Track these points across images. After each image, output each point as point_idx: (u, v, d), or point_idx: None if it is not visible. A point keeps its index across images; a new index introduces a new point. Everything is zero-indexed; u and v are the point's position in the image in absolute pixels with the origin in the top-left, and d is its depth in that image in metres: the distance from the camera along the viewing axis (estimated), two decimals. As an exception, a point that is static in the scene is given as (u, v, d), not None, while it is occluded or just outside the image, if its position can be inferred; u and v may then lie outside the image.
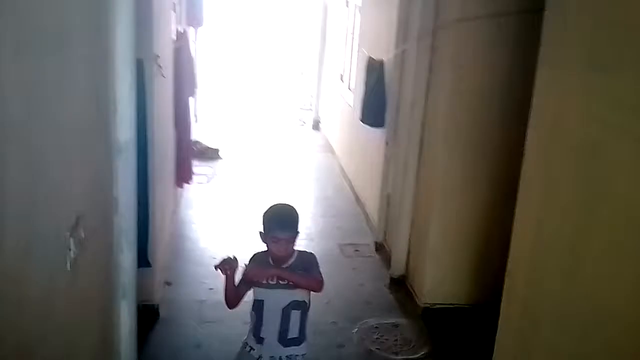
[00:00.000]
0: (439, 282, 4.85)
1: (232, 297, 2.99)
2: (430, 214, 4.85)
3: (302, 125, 11.86)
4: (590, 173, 2.62)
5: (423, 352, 4.43)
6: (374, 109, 6.12)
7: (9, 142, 1.38)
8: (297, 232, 2.94)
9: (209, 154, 9.07)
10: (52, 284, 1.76)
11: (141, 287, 2.97)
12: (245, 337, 3.07)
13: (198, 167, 7.91)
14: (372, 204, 6.55)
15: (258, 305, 2.93)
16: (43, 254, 1.67)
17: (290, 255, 2.95)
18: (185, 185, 6.83)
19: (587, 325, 2.59)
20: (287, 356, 2.95)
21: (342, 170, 8.74)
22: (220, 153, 9.27)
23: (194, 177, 7.03)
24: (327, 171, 9.10)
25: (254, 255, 3.05)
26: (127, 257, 2.74)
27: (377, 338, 4.56)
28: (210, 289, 5.14)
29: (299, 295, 2.91)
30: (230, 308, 3.03)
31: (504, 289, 3.41)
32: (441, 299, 4.88)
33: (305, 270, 2.91)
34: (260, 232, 2.95)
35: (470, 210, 4.72)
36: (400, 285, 5.34)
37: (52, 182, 1.72)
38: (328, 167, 9.27)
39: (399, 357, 4.36)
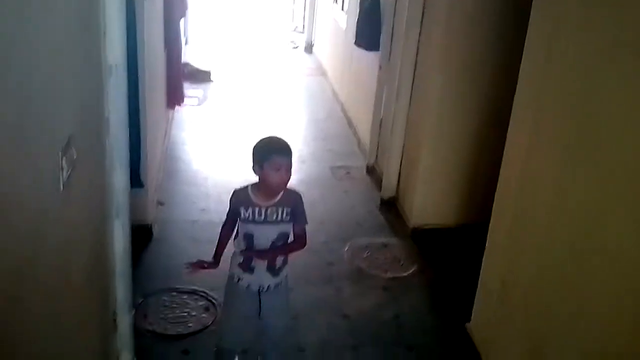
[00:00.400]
0: (429, 203, 4.94)
1: (221, 250, 3.05)
2: (422, 137, 4.87)
3: (295, 48, 11.69)
4: (582, 101, 2.64)
5: (412, 270, 4.56)
6: (368, 32, 6.04)
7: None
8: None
9: (200, 77, 8.98)
10: (45, 204, 1.79)
11: (134, 207, 3.00)
12: (229, 269, 3.05)
13: (189, 90, 7.86)
14: (364, 128, 6.57)
15: (248, 238, 2.90)
16: (36, 174, 1.69)
17: (280, 192, 2.88)
18: (177, 107, 6.80)
19: (573, 249, 2.66)
20: (275, 284, 2.99)
21: (335, 93, 8.70)
22: (211, 75, 9.18)
23: (185, 99, 6.99)
24: (320, 94, 9.05)
25: (235, 192, 2.95)
26: (119, 177, 2.76)
27: (367, 257, 4.68)
28: (202, 209, 5.22)
29: (286, 228, 2.92)
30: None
31: (492, 209, 3.49)
32: (430, 220, 4.98)
33: (292, 212, 2.90)
34: (254, 166, 2.83)
35: (461, 134, 4.75)
36: (391, 207, 5.43)
37: (42, 103, 1.72)
38: (320, 91, 9.22)
39: (388, 274, 4.48)
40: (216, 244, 3.10)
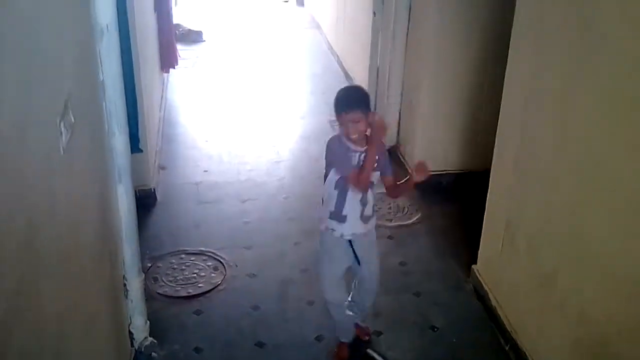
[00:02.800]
0: (430, 150, 4.92)
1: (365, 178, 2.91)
2: (421, 82, 4.83)
3: (286, 2, 11.54)
4: (585, 25, 2.59)
5: (416, 218, 4.58)
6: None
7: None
8: (368, 109, 2.79)
9: (192, 37, 8.90)
10: (49, 167, 1.79)
11: (136, 173, 2.99)
12: (320, 224, 3.04)
13: (182, 51, 7.78)
14: (362, 78, 6.51)
15: (342, 185, 2.88)
16: (39, 137, 1.69)
17: (364, 140, 2.84)
18: (171, 70, 6.74)
19: (580, 179, 2.66)
20: (365, 232, 3.00)
21: (330, 46, 8.61)
22: (203, 35, 9.09)
23: (179, 61, 6.92)
24: (315, 48, 8.97)
25: (333, 139, 2.89)
26: (119, 140, 2.74)
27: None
28: (205, 171, 5.22)
29: (374, 176, 2.91)
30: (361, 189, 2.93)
31: (494, 149, 3.47)
32: (433, 167, 4.94)
33: (381, 157, 2.90)
34: (334, 119, 2.84)
35: (460, 77, 4.70)
36: (392, 156, 5.38)
37: (36, 67, 1.71)
38: (315, 44, 9.12)
39: (393, 223, 4.51)
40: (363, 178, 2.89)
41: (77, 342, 2.07)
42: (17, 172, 1.48)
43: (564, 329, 2.80)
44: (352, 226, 2.96)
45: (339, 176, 2.88)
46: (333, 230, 2.98)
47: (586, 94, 2.57)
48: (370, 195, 2.95)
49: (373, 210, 3.01)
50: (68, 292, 1.97)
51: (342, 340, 3.29)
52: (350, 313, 3.28)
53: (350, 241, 3.00)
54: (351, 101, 2.79)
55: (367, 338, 3.40)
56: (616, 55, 2.36)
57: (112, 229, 2.84)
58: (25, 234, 1.51)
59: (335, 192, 2.92)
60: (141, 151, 4.18)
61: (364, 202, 2.93)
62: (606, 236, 2.48)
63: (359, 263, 3.07)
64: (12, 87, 1.47)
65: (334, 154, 2.88)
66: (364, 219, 2.97)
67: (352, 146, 2.84)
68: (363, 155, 2.83)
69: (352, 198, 2.90)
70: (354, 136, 2.79)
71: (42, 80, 1.76)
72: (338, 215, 2.95)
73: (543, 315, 2.99)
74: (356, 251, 3.03)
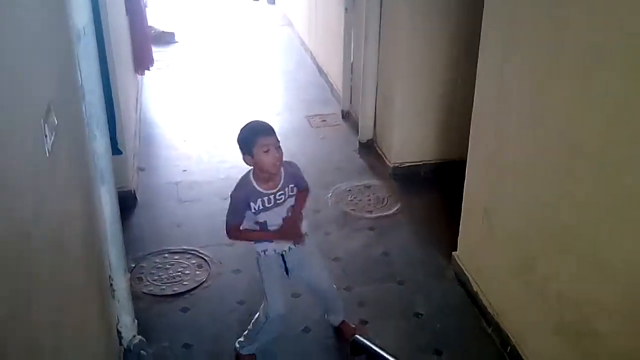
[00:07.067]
0: (407, 142, 5.00)
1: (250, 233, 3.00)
2: (395, 75, 4.89)
3: (257, 0, 11.54)
4: (553, 16, 2.66)
5: (396, 208, 4.64)
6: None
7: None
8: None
9: (165, 38, 8.88)
10: (34, 170, 1.81)
11: (116, 174, 2.99)
12: (257, 253, 3.05)
13: (155, 53, 7.75)
14: (336, 74, 6.57)
15: (261, 225, 2.91)
16: (22, 140, 1.71)
17: (279, 172, 2.84)
18: (146, 72, 6.73)
19: (554, 168, 2.72)
20: (295, 246, 3.02)
21: (303, 42, 8.65)
22: (175, 36, 9.07)
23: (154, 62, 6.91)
24: (287, 45, 9.00)
25: (240, 181, 2.89)
26: (100, 143, 2.76)
27: (350, 200, 4.75)
28: (184, 170, 5.25)
29: (293, 201, 2.94)
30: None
31: (469, 137, 3.54)
32: (410, 159, 5.05)
33: (296, 184, 2.93)
34: (244, 157, 2.78)
35: (434, 67, 4.77)
36: (369, 149, 5.48)
37: (19, 69, 1.73)
38: (288, 41, 9.16)
39: (373, 214, 4.57)
40: (242, 238, 3.08)
41: (70, 342, 2.09)
42: (3, 174, 1.50)
43: (545, 311, 2.87)
44: (279, 245, 2.98)
45: (257, 221, 2.90)
46: (265, 250, 2.99)
47: (557, 83, 2.63)
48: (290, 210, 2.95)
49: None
50: (59, 293, 1.99)
51: (246, 353, 3.22)
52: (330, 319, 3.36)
53: (283, 257, 3.01)
54: (267, 129, 2.76)
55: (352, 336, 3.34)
56: (585, 43, 2.43)
57: (96, 230, 2.86)
58: (15, 236, 1.53)
59: (258, 227, 2.94)
60: (120, 153, 4.19)
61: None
62: (582, 222, 2.55)
63: (287, 275, 3.06)
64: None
65: (232, 198, 2.87)
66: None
67: (261, 188, 2.83)
68: (275, 195, 2.84)
69: (274, 227, 2.92)
70: (275, 165, 2.75)
71: (26, 82, 1.78)
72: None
73: (524, 298, 3.06)
74: (287, 264, 3.03)
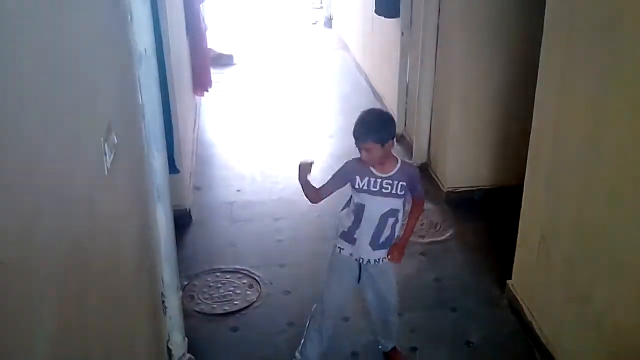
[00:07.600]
0: (462, 166, 4.94)
1: (312, 195, 3.02)
2: (450, 99, 4.86)
3: (314, 24, 11.66)
4: (611, 45, 2.62)
5: (449, 234, 4.58)
6: (386, -1, 6.01)
7: (34, 52, 1.43)
8: (383, 139, 2.76)
9: (223, 60, 9.02)
10: (93, 188, 1.86)
11: (172, 192, 3.06)
12: (334, 246, 3.09)
13: (214, 74, 7.91)
14: (391, 97, 6.56)
15: (358, 209, 2.92)
16: (83, 158, 1.76)
17: (392, 165, 2.89)
18: (205, 93, 6.86)
19: (615, 194, 2.66)
20: (374, 259, 3.01)
21: (358, 66, 8.68)
22: (234, 59, 9.22)
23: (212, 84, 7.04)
24: (343, 68, 9.04)
25: (351, 160, 2.95)
26: (158, 161, 2.82)
27: (403, 224, 4.69)
28: (238, 190, 5.30)
29: (397, 204, 2.93)
30: (312, 202, 3.08)
31: (527, 163, 3.48)
32: (464, 183, 4.98)
33: (409, 185, 2.93)
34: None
35: (489, 92, 4.73)
36: (423, 173, 5.42)
37: (83, 92, 1.79)
38: (343, 64, 9.20)
39: (426, 239, 4.52)
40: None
41: (119, 356, 2.13)
42: (64, 191, 1.54)
43: (599, 342, 2.79)
44: (360, 250, 2.99)
45: (356, 201, 2.93)
46: (341, 249, 3.02)
47: (620, 107, 2.58)
48: (389, 222, 2.94)
49: (390, 238, 3.00)
50: (112, 309, 2.03)
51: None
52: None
53: (359, 264, 3.02)
54: (361, 132, 2.80)
55: None
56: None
57: (151, 246, 2.92)
58: (71, 252, 1.58)
59: (351, 214, 2.97)
60: (178, 171, 4.27)
61: (379, 229, 2.93)
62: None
63: (358, 283, 3.08)
64: (60, 111, 1.55)
65: (343, 165, 2.97)
66: (376, 245, 2.97)
67: (374, 169, 2.87)
68: (382, 181, 2.86)
69: (367, 224, 2.93)
70: (366, 162, 2.83)
71: (88, 104, 1.84)
72: (349, 236, 2.99)
73: (578, 329, 2.98)
74: (362, 274, 3.05)
